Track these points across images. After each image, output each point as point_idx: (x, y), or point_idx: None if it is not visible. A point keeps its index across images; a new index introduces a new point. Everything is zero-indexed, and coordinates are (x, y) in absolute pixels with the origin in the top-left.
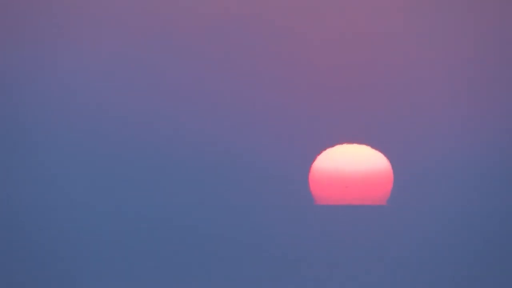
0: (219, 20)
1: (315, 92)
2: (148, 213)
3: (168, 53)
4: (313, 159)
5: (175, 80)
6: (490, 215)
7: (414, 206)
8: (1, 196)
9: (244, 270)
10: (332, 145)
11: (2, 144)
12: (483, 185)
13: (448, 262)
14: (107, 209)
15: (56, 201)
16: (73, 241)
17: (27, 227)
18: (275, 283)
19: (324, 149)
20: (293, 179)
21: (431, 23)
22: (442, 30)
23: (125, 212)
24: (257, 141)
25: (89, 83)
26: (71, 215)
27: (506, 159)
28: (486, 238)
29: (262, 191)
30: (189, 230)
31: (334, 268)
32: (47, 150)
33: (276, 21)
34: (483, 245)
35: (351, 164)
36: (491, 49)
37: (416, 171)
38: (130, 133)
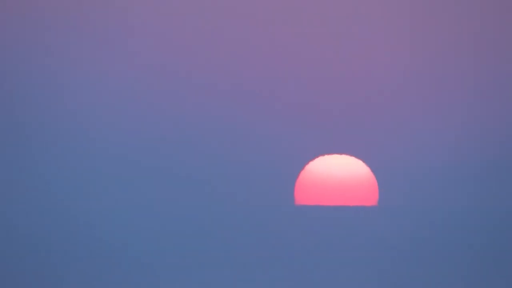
0: (204, 30)
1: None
2: (133, 213)
3: (163, 52)
4: (300, 169)
5: (164, 81)
6: (478, 216)
7: (402, 208)
8: (1, 196)
9: (233, 270)
10: (319, 155)
11: (2, 144)
12: (468, 185)
13: (438, 263)
14: (99, 210)
15: (56, 202)
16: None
17: (27, 227)
18: (263, 284)
19: (311, 159)
20: (280, 187)
21: (406, 30)
22: (418, 37)
23: (113, 212)
24: (249, 145)
25: (89, 83)
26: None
27: (495, 157)
28: (473, 238)
29: (251, 194)
30: (181, 229)
31: (323, 270)
32: (47, 149)
33: (265, 28)
34: (472, 246)
35: (338, 173)
36: (471, 54)
37: (404, 177)
38: (121, 132)
